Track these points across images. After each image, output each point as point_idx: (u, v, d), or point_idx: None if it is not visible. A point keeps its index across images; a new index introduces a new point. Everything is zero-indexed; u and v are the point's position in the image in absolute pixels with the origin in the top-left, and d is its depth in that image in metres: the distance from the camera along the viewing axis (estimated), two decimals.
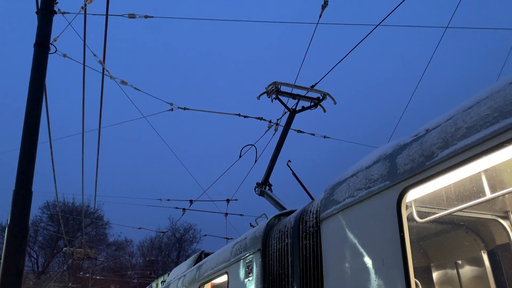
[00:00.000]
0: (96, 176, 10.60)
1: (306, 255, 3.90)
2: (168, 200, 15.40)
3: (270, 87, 7.07)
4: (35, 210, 45.00)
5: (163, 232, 28.23)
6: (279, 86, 7.00)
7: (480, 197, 3.18)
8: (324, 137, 10.68)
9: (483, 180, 3.07)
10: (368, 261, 3.09)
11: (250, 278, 4.75)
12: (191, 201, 14.13)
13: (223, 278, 5.57)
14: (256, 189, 7.64)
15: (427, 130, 2.86)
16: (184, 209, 14.86)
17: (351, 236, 3.31)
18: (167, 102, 9.13)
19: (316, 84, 7.28)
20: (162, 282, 10.26)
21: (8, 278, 5.22)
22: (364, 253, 3.14)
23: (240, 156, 9.02)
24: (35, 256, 46.61)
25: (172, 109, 9.13)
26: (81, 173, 10.17)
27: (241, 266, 5.02)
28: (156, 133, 11.98)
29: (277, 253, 4.44)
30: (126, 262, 46.23)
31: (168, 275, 9.63)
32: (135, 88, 8.56)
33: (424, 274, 4.56)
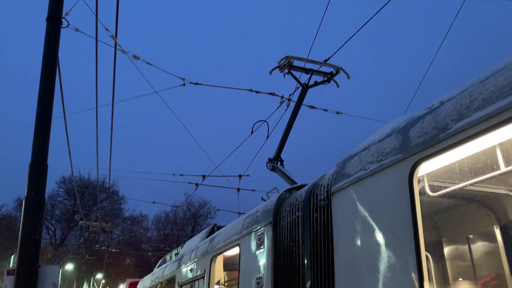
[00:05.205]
0: (111, 151, 10.73)
1: (317, 227, 3.93)
2: (181, 175, 15.60)
3: (282, 62, 7.00)
4: (52, 185, 45.99)
5: (176, 207, 28.70)
6: (291, 60, 6.93)
7: (494, 171, 3.14)
8: (337, 112, 10.59)
9: (497, 153, 3.03)
10: (378, 233, 3.10)
11: (261, 250, 4.82)
12: (203, 176, 14.27)
13: (235, 250, 5.66)
14: (268, 164, 7.67)
15: (441, 103, 2.81)
16: (197, 184, 15.03)
17: (362, 209, 3.32)
18: (179, 77, 9.12)
19: (329, 58, 7.18)
20: (175, 254, 10.46)
21: (27, 248, 5.39)
22: (375, 226, 3.15)
23: (252, 132, 9.03)
24: (52, 229, 47.94)
25: (184, 84, 9.12)
26: (95, 148, 10.30)
27: (252, 239, 5.08)
28: (168, 108, 12.02)
29: (288, 226, 4.48)
30: (141, 236, 47.26)
31: (182, 247, 9.82)
32: (147, 62, 8.54)
33: (435, 249, 4.57)
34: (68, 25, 6.73)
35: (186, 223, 52.44)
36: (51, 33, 6.31)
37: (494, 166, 3.07)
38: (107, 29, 7.73)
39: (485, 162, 3.15)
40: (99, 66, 8.23)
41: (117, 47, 7.73)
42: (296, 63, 7.00)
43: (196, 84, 9.28)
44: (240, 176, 13.60)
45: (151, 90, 10.44)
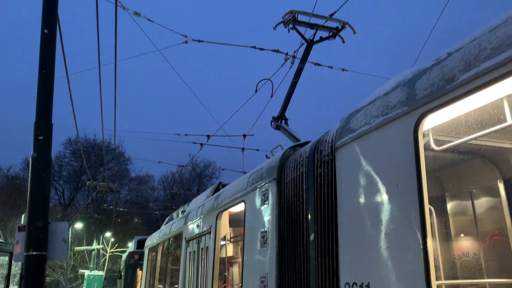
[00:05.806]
0: (115, 110, 10.70)
1: (321, 182, 3.96)
2: (186, 135, 15.65)
3: (287, 16, 6.84)
4: (58, 146, 46.46)
5: (182, 166, 29.09)
6: (296, 15, 6.77)
7: (500, 124, 3.10)
8: (343, 69, 10.43)
9: (504, 106, 2.98)
10: (382, 187, 3.12)
11: (266, 206, 4.89)
12: (208, 136, 14.31)
13: (240, 206, 5.75)
14: (272, 123, 7.66)
15: (449, 54, 2.74)
16: (201, 144, 15.10)
17: (366, 162, 3.32)
18: (181, 34, 8.96)
19: (335, 12, 7.00)
20: (182, 211, 10.66)
21: (36, 206, 5.49)
22: (378, 180, 3.16)
23: (256, 91, 8.95)
24: (61, 190, 48.89)
25: (186, 42, 8.96)
26: (100, 109, 10.28)
27: (257, 195, 5.15)
28: (171, 66, 11.89)
29: (292, 181, 4.52)
30: (148, 195, 48.13)
31: (188, 205, 9.99)
32: (148, 19, 8.37)
33: (438, 203, 4.61)
34: None
35: (192, 183, 53.37)
36: None
37: (501, 117, 3.03)
38: None
39: (491, 114, 3.11)
40: (101, 25, 8.07)
41: (118, 3, 7.55)
42: (300, 18, 6.83)
43: (199, 41, 9.12)
44: (244, 135, 13.57)
45: (154, 48, 10.29)
